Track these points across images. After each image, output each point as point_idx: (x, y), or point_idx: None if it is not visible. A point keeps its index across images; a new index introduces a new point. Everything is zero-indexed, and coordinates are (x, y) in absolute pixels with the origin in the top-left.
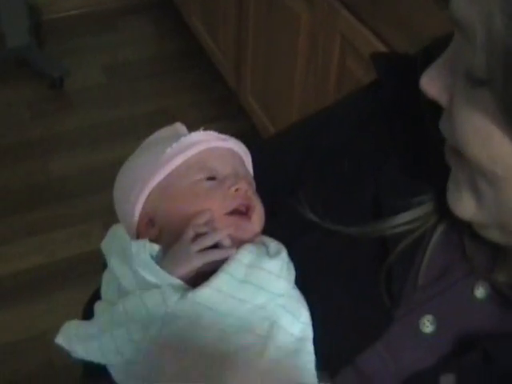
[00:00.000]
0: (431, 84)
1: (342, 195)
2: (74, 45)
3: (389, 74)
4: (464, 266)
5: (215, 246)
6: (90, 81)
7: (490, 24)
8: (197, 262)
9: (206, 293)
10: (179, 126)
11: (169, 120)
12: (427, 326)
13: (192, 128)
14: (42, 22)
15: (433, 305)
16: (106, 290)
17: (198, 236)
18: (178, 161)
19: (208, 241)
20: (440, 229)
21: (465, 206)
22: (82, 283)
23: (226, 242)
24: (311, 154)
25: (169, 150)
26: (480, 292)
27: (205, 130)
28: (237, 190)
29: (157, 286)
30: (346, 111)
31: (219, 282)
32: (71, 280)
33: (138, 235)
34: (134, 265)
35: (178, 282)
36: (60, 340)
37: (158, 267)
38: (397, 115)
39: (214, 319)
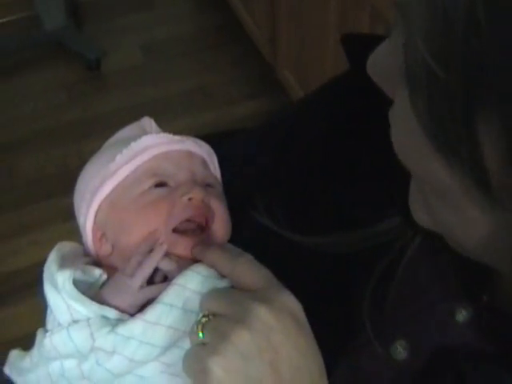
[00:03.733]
0: (376, 65)
1: (307, 203)
2: (112, 25)
3: (361, 62)
4: (442, 286)
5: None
6: (127, 61)
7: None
8: (136, 298)
9: (139, 326)
10: (146, 122)
11: (206, 98)
12: (400, 351)
13: (231, 105)
14: (80, 4)
15: (406, 329)
16: (48, 318)
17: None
18: (126, 170)
19: (145, 273)
20: (415, 243)
21: (419, 215)
22: None
23: (166, 266)
24: (281, 153)
25: (118, 158)
26: (462, 315)
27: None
28: (190, 199)
29: (90, 318)
30: (320, 106)
31: (155, 314)
32: None
33: (94, 251)
34: (64, 296)
35: (113, 312)
36: (7, 370)
37: (86, 299)
38: (369, 112)
39: (152, 354)
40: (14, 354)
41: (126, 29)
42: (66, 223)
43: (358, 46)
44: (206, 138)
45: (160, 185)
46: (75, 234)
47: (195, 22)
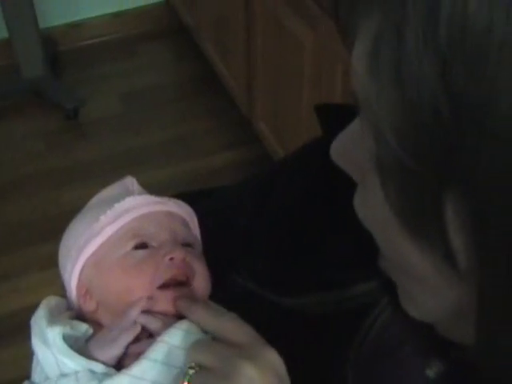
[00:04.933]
0: (340, 153)
1: (286, 264)
2: (91, 74)
3: (333, 129)
4: (414, 342)
5: None
6: (106, 110)
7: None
8: (113, 350)
9: (124, 381)
10: (129, 181)
11: (185, 148)
12: None
13: (208, 156)
14: (59, 53)
15: None
16: (34, 370)
17: None
18: (110, 231)
19: (120, 327)
20: (388, 306)
21: (408, 309)
22: None
23: (151, 323)
24: (258, 216)
25: (102, 218)
26: (433, 370)
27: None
28: (171, 258)
29: (78, 372)
30: (295, 169)
31: (140, 369)
32: None
33: (79, 306)
34: (54, 351)
35: (100, 367)
36: None
37: (75, 354)
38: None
39: None
40: None
41: (105, 77)
42: (44, 271)
43: (331, 115)
44: (185, 195)
45: (141, 246)
46: (53, 281)
47: (174, 72)
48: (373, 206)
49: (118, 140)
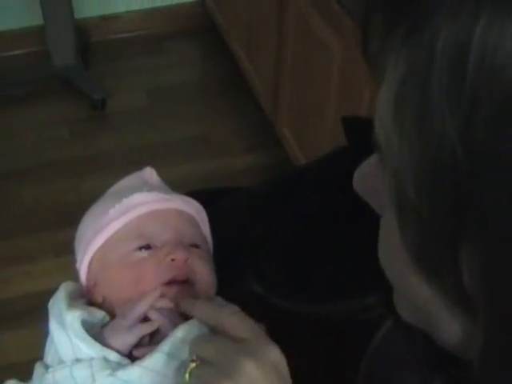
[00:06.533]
0: (362, 183)
1: (297, 272)
2: (120, 67)
3: (359, 142)
4: (415, 359)
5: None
6: (132, 103)
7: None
8: (127, 338)
9: (137, 372)
10: (147, 172)
11: (205, 147)
12: None
13: (229, 156)
14: (90, 44)
15: None
16: (47, 351)
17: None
18: (115, 226)
19: (134, 314)
20: (390, 321)
21: (402, 313)
22: None
23: (152, 315)
24: (275, 222)
25: (110, 212)
26: None
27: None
28: (173, 259)
29: (93, 359)
30: (318, 178)
31: (153, 362)
32: None
33: (88, 297)
34: (70, 335)
35: (114, 355)
36: None
37: (91, 340)
38: None
39: None
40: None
41: (133, 71)
42: (58, 257)
43: (358, 128)
44: (204, 192)
45: (144, 247)
46: (67, 268)
47: (201, 70)
48: (389, 243)
49: (141, 134)
